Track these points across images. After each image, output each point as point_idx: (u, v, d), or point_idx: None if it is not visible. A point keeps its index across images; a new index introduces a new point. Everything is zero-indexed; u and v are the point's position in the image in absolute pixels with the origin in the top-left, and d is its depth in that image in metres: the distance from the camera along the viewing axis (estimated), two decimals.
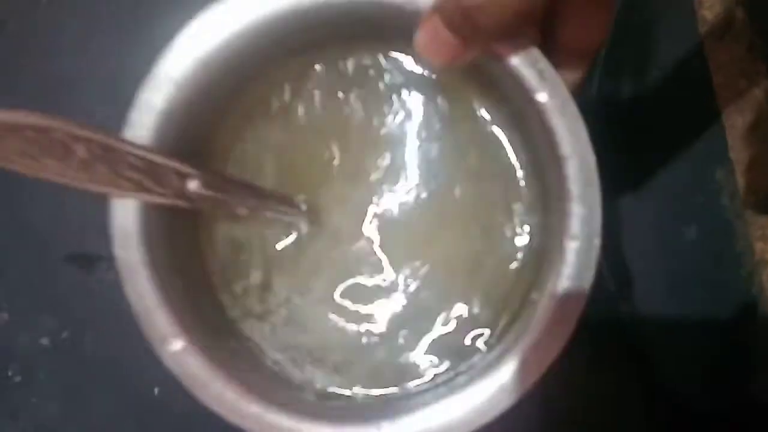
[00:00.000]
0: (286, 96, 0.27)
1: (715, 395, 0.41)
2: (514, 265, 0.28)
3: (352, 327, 0.27)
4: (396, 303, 0.27)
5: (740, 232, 0.42)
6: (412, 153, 0.27)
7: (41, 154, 0.20)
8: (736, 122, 0.42)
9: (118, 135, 0.23)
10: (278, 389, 0.26)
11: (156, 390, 0.44)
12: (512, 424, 0.23)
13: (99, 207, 0.46)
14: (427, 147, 0.27)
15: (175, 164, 0.23)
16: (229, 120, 0.28)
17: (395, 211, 0.27)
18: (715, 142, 0.42)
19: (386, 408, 0.24)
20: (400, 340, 0.27)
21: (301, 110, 0.27)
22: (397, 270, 0.27)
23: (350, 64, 0.27)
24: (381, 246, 0.27)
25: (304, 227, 0.27)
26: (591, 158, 0.24)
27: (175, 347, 0.25)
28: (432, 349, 0.27)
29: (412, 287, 0.27)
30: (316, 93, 0.27)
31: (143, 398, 0.44)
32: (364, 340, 0.27)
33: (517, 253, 0.28)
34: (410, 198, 0.27)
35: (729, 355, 0.42)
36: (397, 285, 0.27)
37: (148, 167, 0.22)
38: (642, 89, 0.43)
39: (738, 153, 0.41)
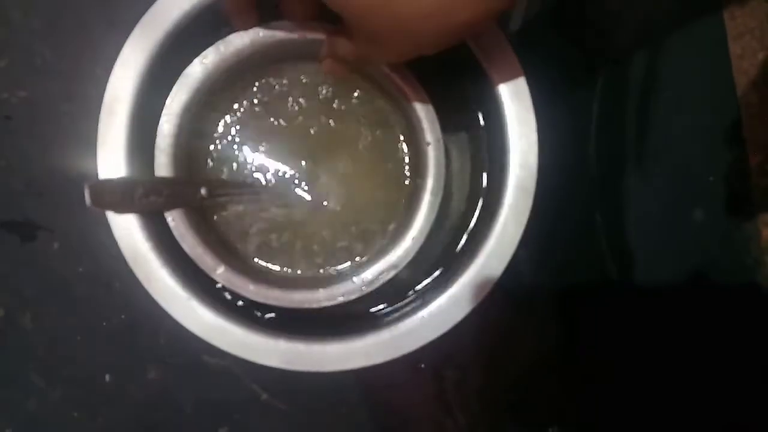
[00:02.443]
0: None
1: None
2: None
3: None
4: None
5: (748, 217, 0.39)
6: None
7: None
8: (751, 100, 0.39)
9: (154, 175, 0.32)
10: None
11: (107, 377, 0.39)
12: None
13: (42, 169, 0.41)
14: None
15: (189, 181, 0.33)
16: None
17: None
18: (729, 121, 0.39)
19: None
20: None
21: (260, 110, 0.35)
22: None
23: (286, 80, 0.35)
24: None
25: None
26: None
27: (220, 270, 0.31)
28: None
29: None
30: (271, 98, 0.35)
31: (92, 385, 0.39)
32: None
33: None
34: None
35: (731, 343, 0.40)
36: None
37: (173, 189, 0.31)
38: (656, 62, 0.40)
39: (752, 133, 0.39)
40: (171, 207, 0.31)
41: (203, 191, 0.32)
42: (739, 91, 0.39)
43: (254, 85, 0.35)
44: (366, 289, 0.32)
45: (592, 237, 0.40)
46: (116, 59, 0.31)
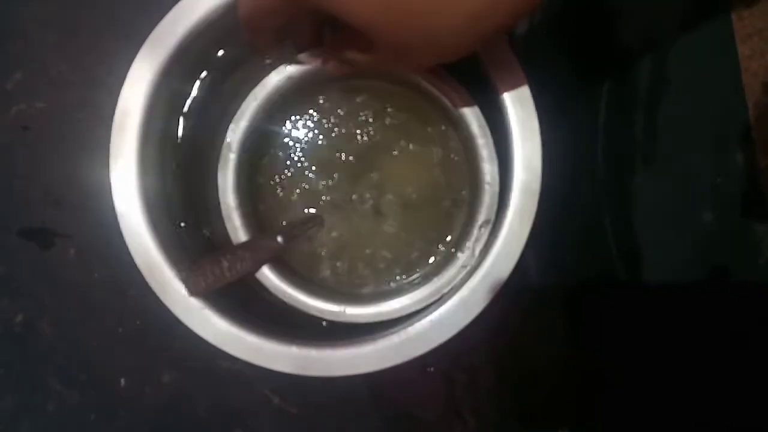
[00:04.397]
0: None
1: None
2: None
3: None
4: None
5: (759, 218, 0.39)
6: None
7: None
8: (760, 101, 0.39)
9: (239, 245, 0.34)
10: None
11: (122, 381, 0.40)
12: None
13: (59, 178, 0.42)
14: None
15: (265, 237, 0.34)
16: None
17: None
18: (737, 123, 0.39)
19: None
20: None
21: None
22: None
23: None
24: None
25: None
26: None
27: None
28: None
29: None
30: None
31: (108, 390, 0.40)
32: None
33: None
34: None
35: (742, 344, 0.39)
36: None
37: (252, 250, 0.32)
38: (664, 64, 0.39)
39: (761, 134, 0.38)
40: (258, 266, 0.32)
41: (279, 239, 0.32)
42: (747, 93, 0.39)
43: (311, 107, 0.36)
44: (417, 306, 0.33)
45: (601, 238, 0.40)
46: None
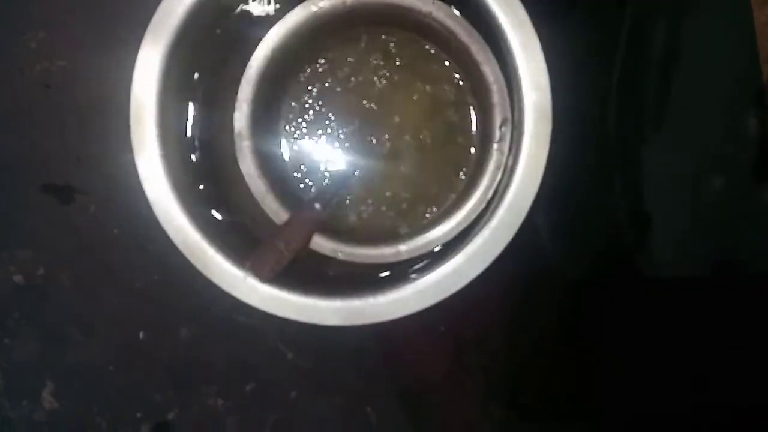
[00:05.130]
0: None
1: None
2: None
3: None
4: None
5: None
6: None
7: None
8: None
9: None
10: None
11: (141, 334, 0.41)
12: None
13: (79, 136, 0.42)
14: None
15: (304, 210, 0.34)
16: None
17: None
18: (751, 88, 0.39)
19: None
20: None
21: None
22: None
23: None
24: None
25: None
26: None
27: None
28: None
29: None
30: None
31: (127, 342, 0.41)
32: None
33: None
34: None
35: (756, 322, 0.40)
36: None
37: (298, 225, 0.33)
38: (678, 29, 0.40)
39: None
40: (309, 238, 0.33)
41: (318, 206, 0.33)
42: (762, 59, 0.39)
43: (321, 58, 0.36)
44: (432, 247, 0.34)
45: (611, 203, 0.41)
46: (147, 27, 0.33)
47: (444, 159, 0.37)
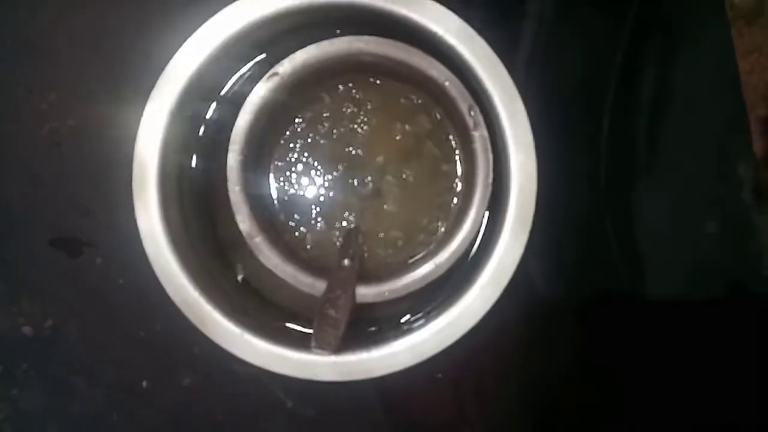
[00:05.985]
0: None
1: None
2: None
3: None
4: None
5: (763, 230, 0.40)
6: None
7: None
8: (760, 114, 0.39)
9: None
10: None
11: (144, 383, 0.42)
12: None
13: (87, 191, 0.44)
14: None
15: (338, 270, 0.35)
16: None
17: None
18: (739, 136, 0.40)
19: None
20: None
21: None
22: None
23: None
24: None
25: None
26: None
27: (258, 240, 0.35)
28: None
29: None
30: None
31: (131, 391, 0.42)
32: None
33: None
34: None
35: (748, 355, 0.40)
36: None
37: (338, 286, 0.34)
38: (668, 76, 0.41)
39: (762, 149, 0.39)
40: (354, 295, 0.33)
41: (347, 263, 0.34)
42: (748, 107, 0.40)
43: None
44: (412, 288, 0.34)
45: (604, 247, 0.41)
46: (152, 90, 0.34)
47: (434, 189, 0.38)
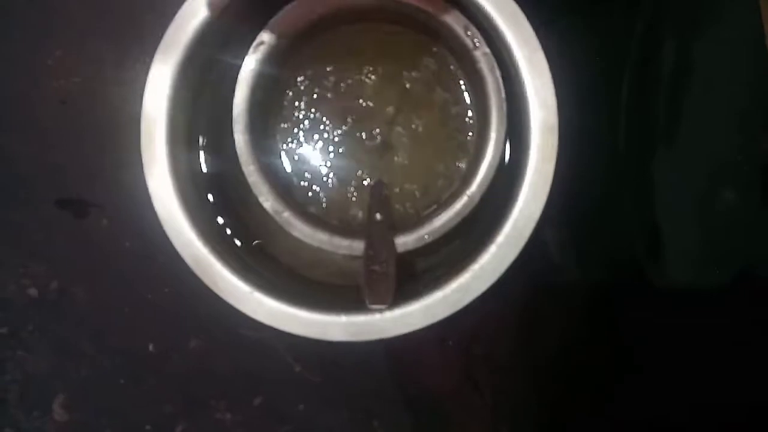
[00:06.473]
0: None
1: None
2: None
3: None
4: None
5: None
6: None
7: None
8: None
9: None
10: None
11: (151, 346, 0.42)
12: None
13: (94, 150, 0.43)
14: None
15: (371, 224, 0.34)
16: None
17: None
18: (762, 106, 0.39)
19: None
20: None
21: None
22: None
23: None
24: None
25: None
26: None
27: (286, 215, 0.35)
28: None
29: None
30: None
31: (137, 354, 0.42)
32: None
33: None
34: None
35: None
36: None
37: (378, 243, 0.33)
38: (689, 45, 0.40)
39: None
40: (394, 246, 0.33)
41: (379, 217, 0.33)
42: None
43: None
44: (449, 226, 0.33)
45: (621, 218, 0.40)
46: (158, 45, 0.33)
47: (447, 134, 0.37)
